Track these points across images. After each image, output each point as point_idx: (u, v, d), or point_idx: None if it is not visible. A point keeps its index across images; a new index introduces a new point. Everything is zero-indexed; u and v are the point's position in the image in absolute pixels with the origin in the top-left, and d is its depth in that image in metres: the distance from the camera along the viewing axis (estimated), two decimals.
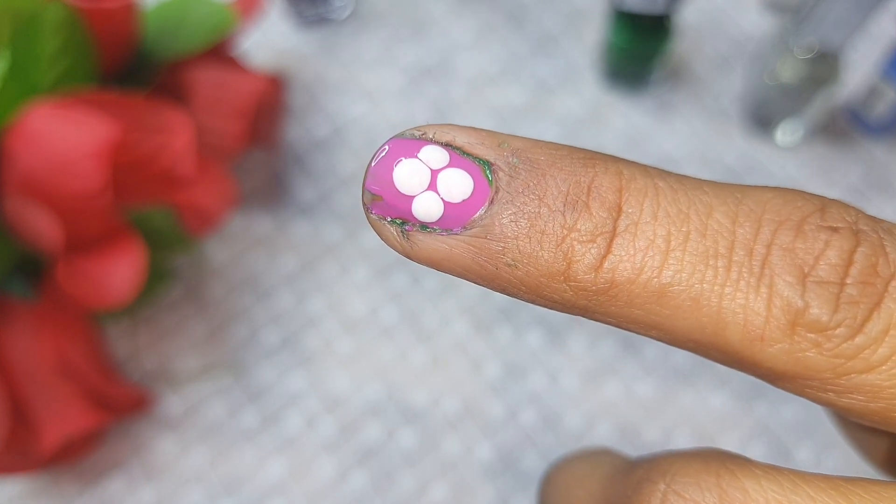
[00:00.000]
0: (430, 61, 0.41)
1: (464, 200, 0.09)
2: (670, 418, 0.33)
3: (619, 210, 0.09)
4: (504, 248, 0.09)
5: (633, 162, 0.10)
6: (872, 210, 0.38)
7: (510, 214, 0.09)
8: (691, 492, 0.09)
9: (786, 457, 0.33)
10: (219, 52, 0.34)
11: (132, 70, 0.33)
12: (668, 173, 0.10)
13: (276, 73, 0.36)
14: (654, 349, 0.35)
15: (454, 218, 0.10)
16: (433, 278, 0.36)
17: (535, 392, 0.34)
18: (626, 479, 0.10)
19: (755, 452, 0.33)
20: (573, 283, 0.09)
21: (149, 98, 0.30)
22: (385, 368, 0.34)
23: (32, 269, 0.31)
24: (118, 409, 0.32)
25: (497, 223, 0.09)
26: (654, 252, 0.09)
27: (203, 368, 0.34)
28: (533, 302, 0.10)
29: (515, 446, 0.33)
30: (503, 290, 0.10)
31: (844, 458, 0.33)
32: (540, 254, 0.09)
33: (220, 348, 0.35)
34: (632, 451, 0.32)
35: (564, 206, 0.09)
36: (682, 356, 0.34)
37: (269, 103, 0.35)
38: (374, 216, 0.10)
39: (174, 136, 0.29)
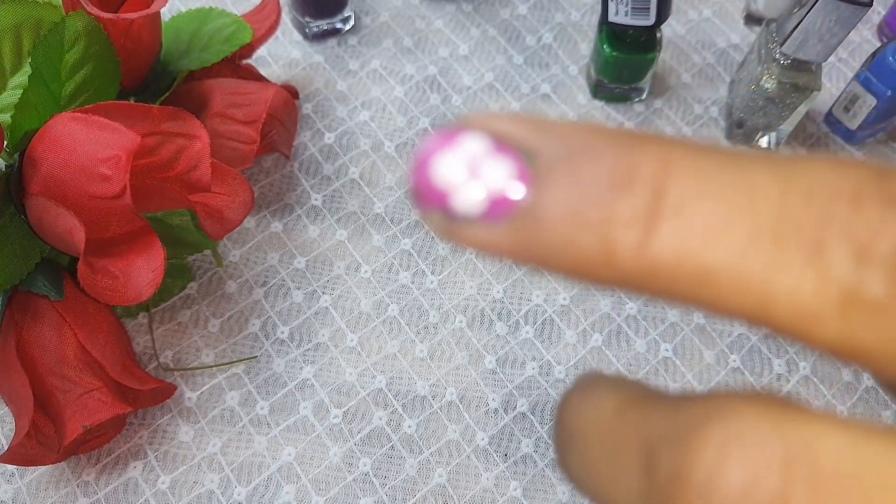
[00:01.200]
0: (430, 71, 0.43)
1: (505, 190, 0.10)
2: None
3: (661, 192, 0.09)
4: (547, 235, 0.09)
5: (678, 140, 0.10)
6: None
7: (551, 201, 0.09)
8: (755, 438, 0.08)
9: None
10: (234, 62, 0.36)
11: (151, 79, 0.34)
12: (715, 149, 0.10)
13: (287, 83, 0.37)
14: (644, 342, 0.37)
15: (497, 207, 0.10)
16: (434, 276, 0.38)
17: (530, 382, 0.36)
18: (675, 414, 0.09)
19: None
20: (616, 268, 0.09)
21: (167, 106, 0.31)
22: (388, 360, 0.36)
23: (56, 267, 0.32)
24: (139, 401, 0.33)
25: (538, 211, 0.09)
26: (697, 234, 0.09)
27: (216, 360, 0.36)
28: (580, 282, 0.10)
29: (512, 434, 0.34)
30: (548, 272, 0.10)
31: None
32: (582, 240, 0.09)
33: (233, 341, 0.36)
34: None
35: (606, 190, 0.09)
36: (672, 349, 0.36)
37: (280, 111, 0.37)
38: (420, 208, 0.10)
39: (191, 142, 0.30)
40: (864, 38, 0.44)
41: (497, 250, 0.10)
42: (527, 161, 0.10)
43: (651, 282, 0.09)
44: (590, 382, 0.12)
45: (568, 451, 0.11)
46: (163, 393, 0.34)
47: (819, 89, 0.37)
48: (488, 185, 0.10)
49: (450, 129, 0.10)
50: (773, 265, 0.08)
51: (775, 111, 0.39)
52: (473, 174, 0.10)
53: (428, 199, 0.10)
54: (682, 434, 0.09)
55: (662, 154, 0.09)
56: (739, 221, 0.09)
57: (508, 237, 0.10)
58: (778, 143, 0.41)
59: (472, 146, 0.10)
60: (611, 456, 0.10)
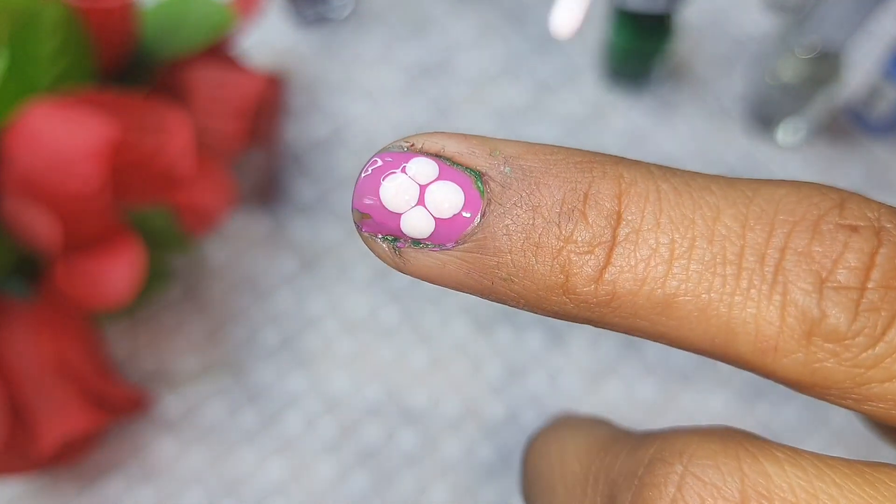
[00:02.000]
0: (430, 61, 0.41)
1: (454, 215, 0.09)
2: (671, 419, 0.33)
3: (619, 217, 0.09)
4: (498, 262, 0.09)
5: (635, 162, 0.09)
6: None
7: (503, 227, 0.09)
8: (711, 475, 0.08)
9: None
10: (218, 52, 0.34)
11: (131, 69, 0.32)
12: (674, 172, 0.09)
13: (276, 73, 0.36)
14: (654, 350, 0.35)
15: (446, 233, 0.09)
16: None
17: (535, 393, 0.34)
18: (634, 455, 0.09)
19: None
20: (573, 296, 0.09)
21: (148, 98, 0.30)
22: (385, 369, 0.34)
23: (31, 269, 0.31)
24: (116, 409, 0.31)
25: (490, 237, 0.09)
26: (657, 261, 0.08)
27: (202, 369, 0.34)
28: (534, 312, 0.09)
29: (516, 447, 0.33)
30: (502, 303, 0.09)
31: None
32: (536, 267, 0.09)
33: (220, 349, 0.34)
34: None
35: (560, 215, 0.09)
36: (682, 357, 0.34)
37: (268, 103, 0.35)
38: (365, 233, 0.10)
39: (173, 135, 0.29)
40: (886, 30, 0.42)
41: (447, 279, 0.09)
42: (477, 184, 0.09)
43: (611, 311, 0.09)
44: (555, 426, 0.12)
45: (535, 494, 0.11)
46: (144, 402, 0.32)
47: (840, 81, 0.35)
48: (435, 211, 0.09)
49: (395, 152, 0.10)
50: (734, 294, 0.08)
51: (792, 104, 0.37)
52: (421, 198, 0.09)
53: (373, 224, 0.09)
54: (639, 474, 0.09)
55: (619, 178, 0.09)
56: (699, 250, 0.08)
57: (459, 265, 0.09)
58: (795, 136, 0.39)
59: (419, 168, 0.09)
60: (576, 499, 0.10)
